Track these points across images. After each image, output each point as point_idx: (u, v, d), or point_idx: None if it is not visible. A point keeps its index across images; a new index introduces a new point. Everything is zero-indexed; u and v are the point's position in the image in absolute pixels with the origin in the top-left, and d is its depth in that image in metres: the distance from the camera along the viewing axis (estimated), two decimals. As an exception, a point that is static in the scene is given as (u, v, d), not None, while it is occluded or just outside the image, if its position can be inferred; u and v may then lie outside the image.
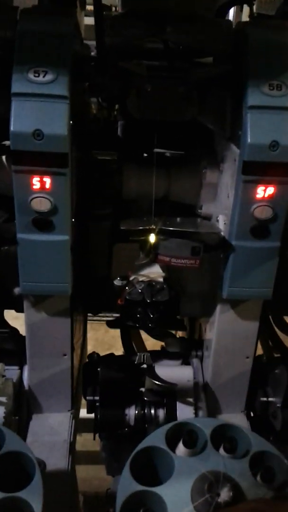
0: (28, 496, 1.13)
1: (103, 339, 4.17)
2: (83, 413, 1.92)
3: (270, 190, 1.38)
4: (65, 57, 1.29)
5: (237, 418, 1.76)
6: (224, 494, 1.11)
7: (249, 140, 1.31)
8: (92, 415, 1.67)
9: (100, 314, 2.01)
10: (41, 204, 1.32)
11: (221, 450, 1.25)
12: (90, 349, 2.34)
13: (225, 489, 1.11)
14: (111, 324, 1.87)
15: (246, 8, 2.29)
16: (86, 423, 1.93)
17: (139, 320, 1.63)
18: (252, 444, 1.27)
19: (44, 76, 1.26)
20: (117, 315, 1.77)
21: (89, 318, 2.43)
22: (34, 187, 1.31)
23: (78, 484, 2.16)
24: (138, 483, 1.16)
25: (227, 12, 1.75)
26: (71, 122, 1.29)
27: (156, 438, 1.27)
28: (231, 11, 2.09)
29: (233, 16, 2.63)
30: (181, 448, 1.25)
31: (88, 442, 2.82)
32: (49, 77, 1.26)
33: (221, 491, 1.11)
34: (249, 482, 1.17)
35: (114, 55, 1.44)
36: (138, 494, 1.15)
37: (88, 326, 2.94)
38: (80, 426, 2.08)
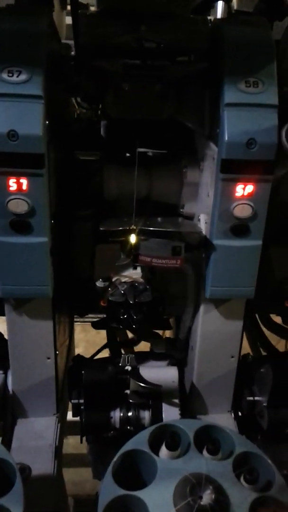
0: (9, 503, 1.11)
1: (94, 340, 4.15)
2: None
3: (249, 188, 1.37)
4: (39, 57, 1.27)
5: (223, 418, 1.75)
6: (207, 497, 1.09)
7: (226, 138, 1.31)
8: (78, 417, 1.65)
9: (90, 316, 2.00)
10: (18, 206, 1.30)
11: (205, 452, 1.24)
12: (81, 350, 2.32)
13: (207, 492, 1.10)
14: (96, 325, 1.85)
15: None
16: (76, 425, 1.91)
17: (123, 321, 1.62)
18: (235, 445, 1.26)
19: (18, 76, 1.24)
20: (104, 315, 1.76)
21: (79, 319, 2.41)
22: (11, 188, 1.29)
23: (70, 487, 2.14)
24: (121, 487, 1.15)
25: (206, 10, 1.74)
26: (47, 122, 1.27)
27: (139, 441, 1.25)
28: (219, 9, 2.07)
29: (221, 14, 2.61)
30: (164, 451, 1.24)
31: (80, 444, 2.80)
32: (23, 76, 1.24)
33: (204, 493, 1.10)
34: (232, 483, 1.16)
35: (91, 54, 1.42)
36: (120, 499, 1.13)
37: (79, 327, 2.92)
38: (71, 428, 2.06)
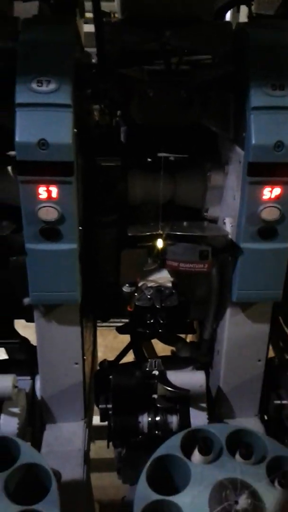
0: (45, 508, 1.12)
1: (112, 345, 4.15)
2: (96, 420, 1.92)
3: (277, 191, 1.36)
4: (68, 66, 1.29)
5: (251, 422, 1.74)
6: (243, 502, 1.09)
7: (253, 141, 1.31)
8: (105, 422, 1.66)
9: (109, 321, 2.00)
10: (48, 214, 1.31)
11: (237, 456, 1.24)
12: (100, 355, 2.33)
13: (243, 496, 1.10)
14: (121, 330, 1.86)
15: (243, 9, 2.29)
16: (99, 430, 1.92)
17: (149, 326, 1.63)
18: (268, 450, 1.26)
19: (47, 86, 1.26)
20: (126, 320, 1.77)
21: (98, 323, 2.42)
22: (41, 196, 1.31)
23: (93, 492, 2.15)
24: (155, 492, 1.15)
25: (226, 13, 1.75)
26: (75, 130, 1.29)
27: (171, 446, 1.26)
28: (228, 13, 2.07)
29: (230, 17, 2.62)
30: (196, 456, 1.24)
31: (102, 449, 2.80)
32: (52, 86, 1.25)
33: (239, 498, 1.10)
34: (267, 488, 1.16)
35: (115, 61, 1.44)
36: (155, 503, 1.14)
37: (98, 332, 2.93)
38: (94, 433, 2.07)
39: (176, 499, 1.13)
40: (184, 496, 1.14)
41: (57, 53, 1.28)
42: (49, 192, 1.30)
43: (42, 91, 1.24)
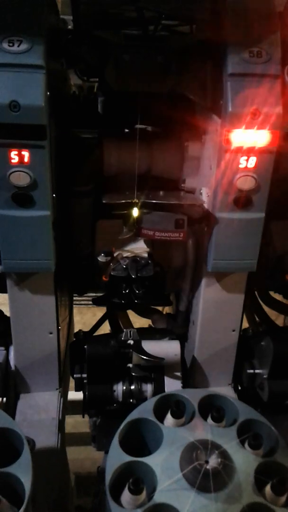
0: (17, 471, 1.13)
1: (91, 322, 4.17)
2: (73, 395, 1.93)
3: (253, 160, 1.36)
4: (40, 26, 1.25)
5: (224, 391, 1.75)
6: (213, 461, 1.12)
7: (230, 109, 1.30)
8: (82, 397, 1.66)
9: (86, 297, 1.99)
10: (20, 179, 1.29)
11: (209, 420, 1.27)
12: (78, 332, 2.31)
13: (213, 456, 1.12)
14: (97, 302, 1.85)
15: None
16: (76, 405, 1.93)
17: (125, 296, 1.63)
18: (239, 413, 1.28)
19: (18, 46, 1.22)
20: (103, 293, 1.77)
21: (76, 302, 2.41)
22: (13, 161, 1.28)
23: (70, 465, 2.17)
24: (127, 454, 1.17)
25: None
26: (48, 93, 1.26)
27: (144, 410, 1.27)
28: None
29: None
30: (169, 419, 1.26)
31: (79, 424, 2.83)
32: (24, 46, 1.22)
33: (210, 458, 1.12)
34: (237, 449, 1.19)
35: (90, 24, 1.40)
36: (127, 465, 1.16)
37: (75, 310, 2.92)
38: (70, 408, 2.08)
39: (148, 460, 1.15)
40: (155, 457, 1.16)
41: (29, 13, 1.25)
42: (21, 156, 1.27)
43: (13, 51, 1.21)
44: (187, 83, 1.45)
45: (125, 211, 1.47)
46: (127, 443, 1.21)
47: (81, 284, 1.88)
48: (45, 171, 1.31)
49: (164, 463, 1.14)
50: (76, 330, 2.05)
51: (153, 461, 1.15)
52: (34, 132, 1.25)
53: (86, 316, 4.21)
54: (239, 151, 1.35)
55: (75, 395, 1.86)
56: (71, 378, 1.77)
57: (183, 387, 1.65)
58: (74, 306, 2.44)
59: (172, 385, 1.63)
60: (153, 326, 1.96)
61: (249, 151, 1.35)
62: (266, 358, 1.70)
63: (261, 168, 1.38)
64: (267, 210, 1.48)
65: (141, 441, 1.26)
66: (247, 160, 1.36)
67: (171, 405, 1.25)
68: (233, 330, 1.71)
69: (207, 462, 1.11)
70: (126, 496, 1.09)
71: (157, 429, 1.22)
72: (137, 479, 1.07)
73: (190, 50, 1.41)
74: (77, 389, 1.69)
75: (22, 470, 1.13)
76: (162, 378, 1.63)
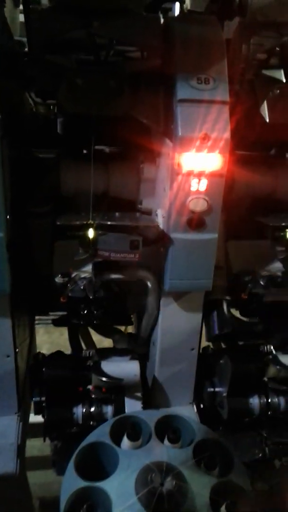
0: None
1: (58, 342, 4.11)
2: (39, 417, 1.89)
3: (204, 182, 1.40)
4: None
5: (186, 410, 1.77)
6: (168, 484, 1.12)
7: (179, 133, 1.33)
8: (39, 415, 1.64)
9: (53, 317, 1.97)
10: (-28, 202, 1.28)
11: (166, 441, 1.27)
12: (45, 352, 2.28)
13: (168, 479, 1.13)
14: (57, 322, 1.84)
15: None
16: (41, 427, 1.89)
17: (83, 317, 1.63)
18: (196, 433, 1.29)
19: None
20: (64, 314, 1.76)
21: (42, 320, 2.38)
22: None
23: (36, 489, 2.12)
24: (83, 479, 1.16)
25: (159, 8, 1.76)
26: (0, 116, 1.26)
27: (100, 433, 1.27)
28: (176, 9, 2.09)
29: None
30: (126, 442, 1.25)
31: (45, 446, 2.77)
32: (-27, 70, 1.22)
33: (165, 481, 1.12)
34: (192, 470, 1.19)
35: (43, 48, 1.42)
36: (83, 490, 1.15)
37: (42, 329, 2.88)
38: (36, 430, 2.04)
39: (103, 484, 1.14)
40: (111, 481, 1.15)
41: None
42: (-29, 178, 1.26)
43: None
44: (139, 107, 1.48)
45: (81, 232, 1.47)
46: (84, 467, 1.20)
47: (41, 304, 1.87)
48: (-1, 193, 1.31)
49: (119, 487, 1.14)
50: (43, 349, 2.03)
51: (108, 485, 1.14)
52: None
53: (54, 335, 4.15)
54: (190, 174, 1.38)
55: (39, 417, 1.83)
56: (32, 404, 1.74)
57: (144, 407, 1.65)
58: (40, 325, 2.41)
59: (132, 405, 1.63)
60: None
61: (200, 174, 1.39)
62: (225, 376, 1.72)
63: (212, 190, 1.41)
64: (223, 230, 1.52)
65: (98, 464, 1.25)
66: (198, 183, 1.40)
67: (127, 427, 1.24)
68: (192, 349, 1.72)
69: (162, 484, 1.11)
70: (80, 523, 1.08)
71: (113, 452, 1.22)
72: (90, 505, 1.06)
73: (142, 75, 1.45)
74: (36, 413, 1.67)
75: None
76: (122, 399, 1.62)
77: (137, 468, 1.16)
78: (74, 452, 1.24)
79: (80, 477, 1.16)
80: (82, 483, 1.15)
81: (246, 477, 1.20)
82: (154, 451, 1.22)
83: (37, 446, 2.80)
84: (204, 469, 1.20)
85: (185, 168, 1.37)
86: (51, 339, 4.19)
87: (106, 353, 1.74)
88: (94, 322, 1.64)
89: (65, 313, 1.76)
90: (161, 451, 1.22)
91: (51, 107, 1.80)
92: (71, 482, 1.16)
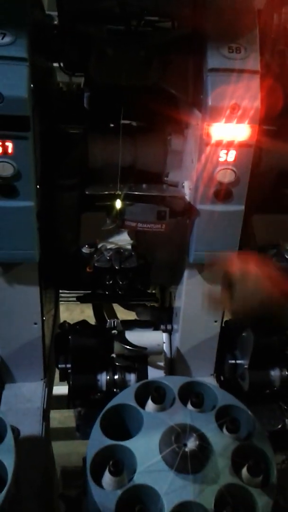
0: (0, 454, 1.15)
1: (79, 319, 4.19)
2: (59, 389, 1.95)
3: (232, 153, 1.40)
4: (24, 19, 1.28)
5: (206, 381, 1.80)
6: (191, 444, 1.15)
7: (210, 103, 1.33)
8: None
9: (75, 294, 2.01)
10: (4, 169, 1.31)
11: (189, 406, 1.30)
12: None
13: (191, 439, 1.16)
14: (82, 299, 1.87)
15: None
16: (62, 399, 1.95)
17: (109, 288, 1.66)
18: (218, 399, 1.32)
19: (2, 38, 1.24)
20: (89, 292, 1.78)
21: (64, 298, 2.43)
22: (-4, 151, 1.30)
23: (57, 459, 2.19)
24: (108, 438, 1.20)
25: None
26: (32, 85, 1.28)
27: (125, 396, 1.30)
28: None
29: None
30: (150, 405, 1.29)
31: (66, 418, 2.84)
32: (7, 39, 1.24)
33: (188, 441, 1.16)
34: (215, 432, 1.22)
35: (74, 19, 1.42)
36: (108, 449, 1.18)
37: (63, 306, 2.94)
38: (57, 402, 2.10)
39: (128, 443, 1.18)
40: (135, 441, 1.19)
41: (12, 8, 1.27)
42: (4, 147, 1.29)
43: (-3, 43, 1.23)
44: (169, 77, 1.49)
45: (108, 203, 1.49)
46: (109, 428, 1.24)
47: (66, 276, 1.90)
48: (29, 162, 1.34)
49: (144, 446, 1.17)
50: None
51: (133, 444, 1.18)
52: (18, 123, 1.27)
53: (75, 312, 4.22)
54: (219, 144, 1.39)
55: (61, 389, 1.89)
56: (56, 371, 1.79)
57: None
58: (62, 303, 2.47)
59: (155, 374, 1.66)
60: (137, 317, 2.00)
61: (229, 145, 1.39)
62: (247, 348, 1.74)
63: (241, 161, 1.41)
64: (249, 204, 1.52)
65: (123, 426, 1.29)
66: (227, 154, 1.40)
67: (151, 391, 1.28)
68: (215, 321, 1.74)
69: (185, 445, 1.15)
70: (106, 478, 1.12)
71: (137, 414, 1.25)
72: (117, 461, 1.10)
73: (172, 45, 1.44)
74: (61, 379, 1.72)
75: (5, 454, 1.15)
76: (145, 367, 1.66)
77: (161, 429, 1.20)
78: (100, 414, 1.27)
79: (105, 436, 1.20)
80: (108, 442, 1.19)
81: (267, 441, 1.22)
82: (177, 414, 1.25)
83: (58, 418, 2.88)
84: (226, 433, 1.23)
85: (214, 139, 1.37)
86: (72, 316, 4.26)
87: (130, 324, 1.78)
88: (119, 292, 1.66)
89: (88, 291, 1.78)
90: (185, 414, 1.25)
91: (74, 86, 1.82)
92: (97, 441, 1.20)
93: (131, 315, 2.07)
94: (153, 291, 2.14)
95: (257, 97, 1.34)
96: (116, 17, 1.43)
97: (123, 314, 2.06)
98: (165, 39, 1.42)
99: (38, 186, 1.42)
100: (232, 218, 1.51)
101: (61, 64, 1.58)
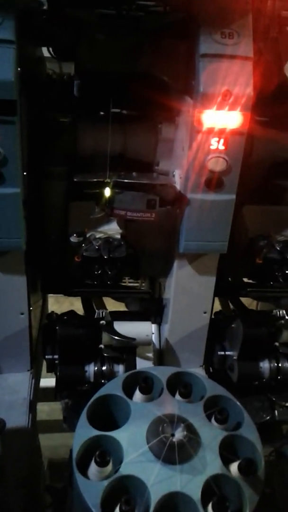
0: (-17, 446, 1.12)
1: (68, 311, 4.16)
2: (47, 382, 1.93)
3: (224, 141, 1.38)
4: (11, 2, 1.24)
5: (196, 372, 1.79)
6: (178, 434, 1.13)
7: (201, 89, 1.31)
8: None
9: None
10: (-11, 155, 1.28)
11: (177, 396, 1.28)
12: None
13: (179, 430, 1.14)
14: (69, 292, 1.84)
15: None
16: (49, 392, 1.93)
17: (97, 277, 1.63)
18: (207, 389, 1.30)
19: (-12, 21, 1.20)
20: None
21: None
22: (-18, 136, 1.27)
23: (44, 451, 2.17)
24: (95, 429, 1.18)
25: None
26: (19, 69, 1.25)
27: (113, 386, 1.28)
28: None
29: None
30: (137, 395, 1.27)
31: (54, 411, 2.82)
32: (-6, 21, 1.20)
33: (175, 431, 1.14)
34: (203, 423, 1.20)
35: (64, 3, 1.39)
36: (94, 439, 1.16)
37: (52, 299, 2.91)
38: (44, 394, 2.08)
39: (115, 434, 1.16)
40: (123, 431, 1.17)
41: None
42: (-10, 132, 1.26)
43: (-17, 25, 1.19)
44: (160, 63, 1.46)
45: (97, 191, 1.47)
46: (96, 419, 1.22)
47: (54, 267, 1.87)
48: (16, 148, 1.31)
49: (131, 436, 1.15)
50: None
51: (120, 435, 1.16)
52: (4, 107, 1.24)
53: (64, 305, 4.19)
54: (211, 132, 1.36)
55: (48, 382, 1.86)
56: (44, 363, 1.76)
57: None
58: (50, 296, 2.44)
59: (143, 365, 1.65)
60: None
61: (221, 133, 1.37)
62: (236, 340, 1.73)
63: (232, 149, 1.39)
64: (241, 194, 1.50)
65: (110, 417, 1.27)
66: (218, 142, 1.38)
67: (139, 382, 1.26)
68: (205, 312, 1.73)
69: (173, 435, 1.13)
70: (93, 469, 1.10)
71: (125, 405, 1.23)
72: (103, 451, 1.08)
73: (163, 30, 1.42)
74: (48, 370, 1.69)
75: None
76: (133, 358, 1.64)
77: (149, 419, 1.18)
78: (87, 404, 1.25)
79: (92, 427, 1.18)
80: (95, 432, 1.17)
81: (256, 432, 1.21)
82: (165, 405, 1.23)
83: (45, 411, 2.86)
84: (215, 423, 1.22)
85: (206, 126, 1.35)
86: (61, 308, 4.23)
87: (118, 315, 1.75)
88: (108, 282, 1.64)
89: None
90: (173, 404, 1.23)
91: (65, 76, 1.79)
92: (83, 432, 1.18)
93: (121, 306, 2.05)
94: (143, 282, 2.13)
95: (249, 84, 1.32)
96: (107, 1, 1.40)
97: (113, 305, 2.04)
98: (157, 24, 1.39)
99: (25, 173, 1.39)
100: (223, 208, 1.49)
101: (51, 50, 1.54)
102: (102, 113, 1.62)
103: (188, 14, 1.37)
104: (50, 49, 1.59)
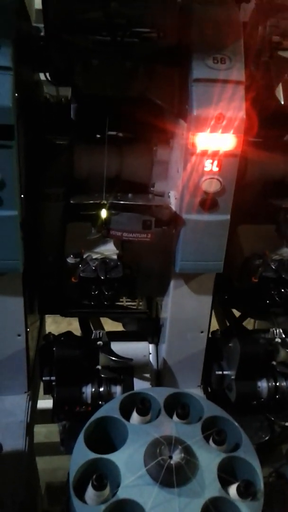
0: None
1: (66, 331, 4.14)
2: (44, 403, 1.91)
3: (218, 163, 1.40)
4: (8, 29, 1.28)
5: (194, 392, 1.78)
6: (176, 457, 1.13)
7: (194, 113, 1.33)
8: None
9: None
10: (-13, 178, 1.30)
11: (175, 417, 1.28)
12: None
13: (176, 452, 1.13)
14: (66, 313, 1.84)
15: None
16: (47, 413, 1.91)
17: (94, 298, 1.64)
18: (204, 410, 1.30)
19: (-14, 47, 1.24)
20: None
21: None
22: (-20, 160, 1.29)
23: (42, 474, 2.14)
24: (92, 452, 1.17)
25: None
26: (16, 95, 1.27)
27: (110, 408, 1.28)
28: None
29: None
30: (135, 417, 1.26)
31: (51, 433, 2.79)
32: (-9, 48, 1.24)
33: (173, 453, 1.13)
34: (201, 445, 1.20)
35: (60, 29, 1.43)
36: (92, 462, 1.16)
37: (50, 319, 2.91)
38: (41, 416, 2.06)
39: (112, 456, 1.15)
40: (120, 454, 1.16)
41: (-1, 16, 1.27)
42: (-12, 156, 1.28)
43: (-19, 52, 1.22)
44: (154, 88, 1.49)
45: (94, 212, 1.48)
46: (93, 442, 1.21)
47: (51, 288, 1.87)
48: (13, 171, 1.33)
49: (128, 459, 1.15)
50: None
51: (117, 457, 1.15)
52: (2, 132, 1.27)
53: (62, 325, 4.18)
54: (204, 154, 1.39)
55: (46, 403, 1.85)
56: (41, 384, 1.75)
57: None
58: (48, 316, 2.44)
59: (141, 386, 1.65)
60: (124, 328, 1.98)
61: (214, 155, 1.39)
62: (234, 359, 1.73)
63: (226, 171, 1.42)
64: (235, 214, 1.52)
65: (107, 439, 1.26)
66: (212, 163, 1.40)
67: (136, 403, 1.25)
68: (202, 332, 1.73)
69: (170, 457, 1.12)
70: (90, 492, 1.09)
71: (122, 427, 1.23)
72: (100, 475, 1.07)
73: (158, 56, 1.45)
74: (45, 392, 1.68)
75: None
76: (131, 379, 1.64)
77: (146, 441, 1.17)
78: (84, 426, 1.25)
79: (89, 450, 1.17)
80: (92, 455, 1.16)
81: (254, 453, 1.20)
82: (163, 426, 1.23)
83: (43, 432, 2.83)
84: (213, 445, 1.21)
85: (199, 148, 1.38)
86: (59, 328, 4.21)
87: (116, 335, 1.75)
88: (105, 303, 1.64)
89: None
90: (170, 426, 1.23)
91: (62, 99, 1.82)
92: (80, 455, 1.17)
93: (118, 326, 2.05)
94: (140, 302, 2.14)
95: (241, 107, 1.35)
96: (102, 28, 1.44)
97: (111, 325, 2.04)
98: (151, 51, 1.42)
99: (22, 196, 1.40)
100: (218, 228, 1.51)
101: (47, 75, 1.58)
102: (98, 135, 1.65)
103: (181, 40, 1.41)
104: (47, 74, 1.63)
